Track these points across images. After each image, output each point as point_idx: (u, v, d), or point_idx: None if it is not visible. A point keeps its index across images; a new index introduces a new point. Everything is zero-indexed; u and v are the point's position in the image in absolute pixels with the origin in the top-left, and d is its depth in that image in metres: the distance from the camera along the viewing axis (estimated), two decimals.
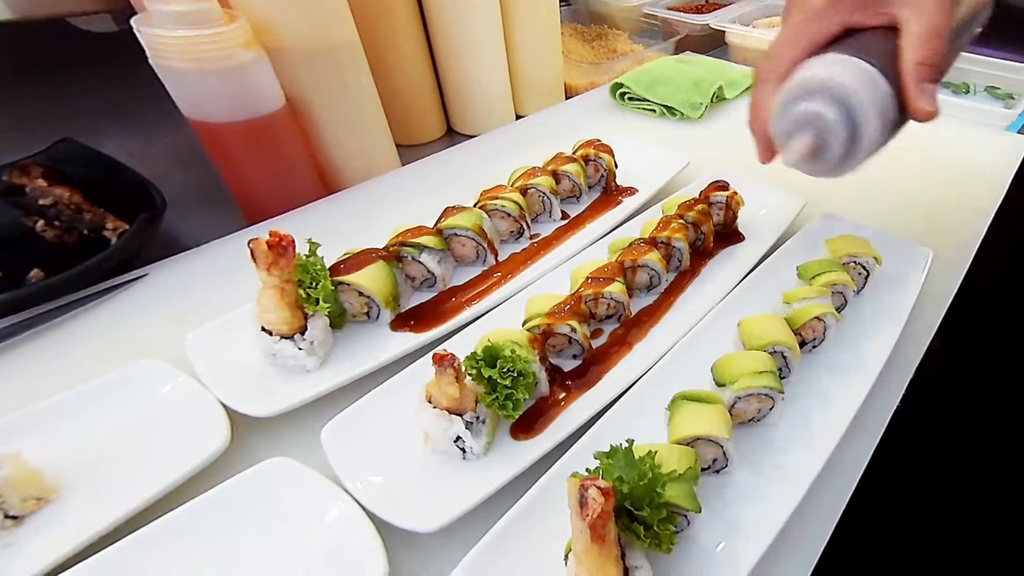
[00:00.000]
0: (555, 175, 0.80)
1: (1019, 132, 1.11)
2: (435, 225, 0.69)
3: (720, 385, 0.53)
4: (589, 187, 0.86)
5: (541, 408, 0.55)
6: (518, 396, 0.50)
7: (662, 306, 0.68)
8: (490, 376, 0.49)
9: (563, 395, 0.57)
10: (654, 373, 0.57)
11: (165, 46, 0.65)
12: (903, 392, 0.62)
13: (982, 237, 0.83)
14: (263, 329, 0.56)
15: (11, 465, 0.43)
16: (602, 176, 0.86)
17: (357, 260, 0.61)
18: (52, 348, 0.62)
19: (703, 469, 0.50)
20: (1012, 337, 1.25)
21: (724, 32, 1.45)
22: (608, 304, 0.63)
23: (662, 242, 0.69)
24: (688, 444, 0.47)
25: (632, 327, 0.65)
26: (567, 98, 1.25)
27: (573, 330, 0.58)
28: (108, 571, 0.41)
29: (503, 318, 0.63)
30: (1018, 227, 1.16)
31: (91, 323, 0.65)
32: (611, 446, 0.42)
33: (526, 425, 0.53)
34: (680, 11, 1.52)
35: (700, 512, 0.43)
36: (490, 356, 0.50)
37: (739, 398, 0.52)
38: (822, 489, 0.51)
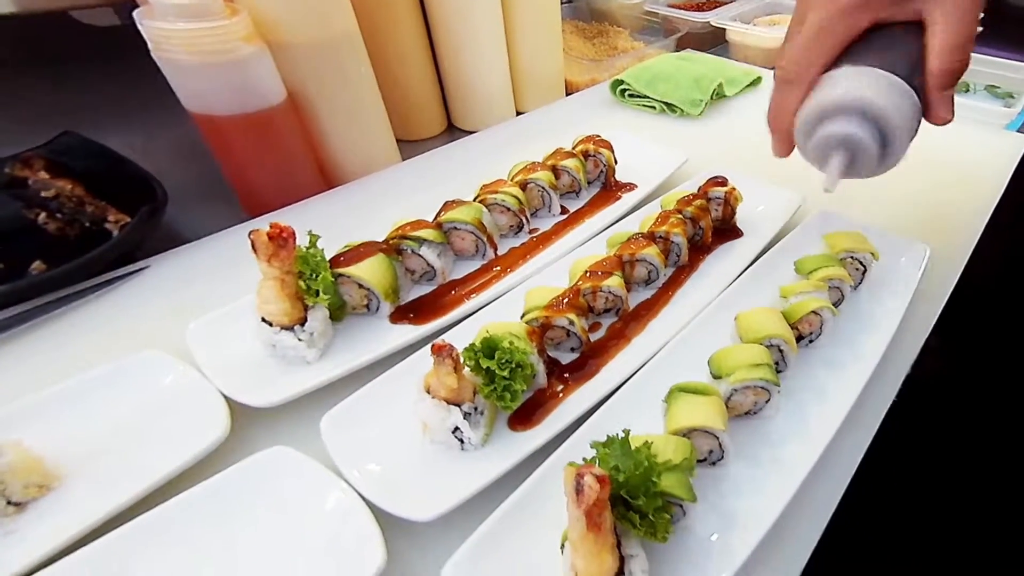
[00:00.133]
0: (554, 170, 0.81)
1: (1018, 131, 1.12)
2: (435, 219, 0.70)
3: (717, 377, 0.54)
4: (588, 182, 0.86)
5: (539, 400, 0.56)
6: (516, 387, 0.51)
7: (660, 300, 0.68)
8: (488, 367, 0.50)
9: (561, 387, 0.57)
10: (651, 366, 0.57)
11: (167, 39, 0.65)
12: (899, 387, 0.62)
13: (980, 235, 0.83)
14: (263, 320, 0.56)
15: (13, 452, 0.44)
16: (601, 172, 0.87)
17: (357, 252, 0.62)
18: (54, 339, 0.62)
19: (699, 461, 0.50)
20: (1010, 335, 1.26)
21: (725, 30, 1.46)
22: (606, 298, 0.63)
23: (660, 237, 0.69)
24: (684, 435, 0.47)
25: (630, 321, 0.65)
26: (568, 94, 1.25)
27: (571, 323, 0.58)
28: (109, 557, 0.41)
29: (502, 311, 0.63)
30: (1017, 225, 1.17)
31: (93, 314, 0.65)
32: (608, 436, 0.42)
33: (524, 417, 0.54)
34: (681, 8, 1.52)
35: (695, 502, 0.43)
36: (488, 347, 0.50)
37: (735, 390, 0.52)
38: (817, 482, 0.51)
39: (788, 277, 0.67)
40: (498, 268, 0.71)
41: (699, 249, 0.75)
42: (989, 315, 1.25)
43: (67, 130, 0.79)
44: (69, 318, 0.65)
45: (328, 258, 0.60)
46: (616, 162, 0.87)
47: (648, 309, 0.67)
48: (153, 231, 0.74)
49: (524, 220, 0.76)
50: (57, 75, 0.97)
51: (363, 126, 0.89)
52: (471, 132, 1.09)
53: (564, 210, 0.82)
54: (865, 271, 0.68)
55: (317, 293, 0.57)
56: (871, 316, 0.66)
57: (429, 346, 0.48)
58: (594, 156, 0.86)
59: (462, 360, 0.50)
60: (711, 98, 1.14)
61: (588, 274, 0.63)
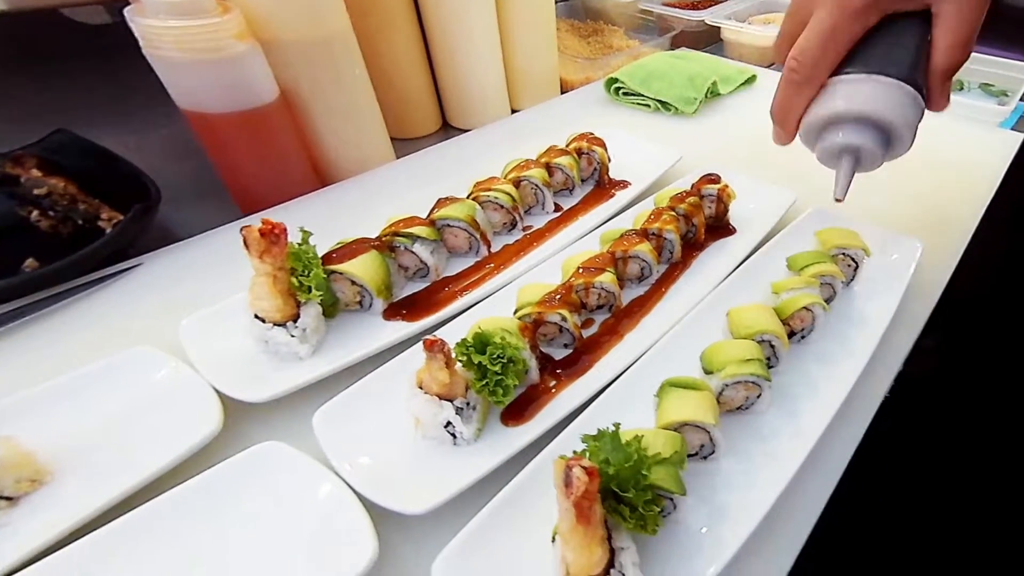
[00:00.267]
0: (548, 168, 0.81)
1: (1012, 129, 1.12)
2: (428, 216, 0.70)
3: (708, 373, 0.54)
4: (582, 180, 0.87)
5: (531, 395, 0.56)
6: (508, 382, 0.51)
7: (653, 297, 0.68)
8: (480, 362, 0.50)
9: (553, 383, 0.57)
10: (644, 362, 0.58)
11: (158, 36, 0.65)
12: (891, 383, 0.62)
13: (973, 232, 0.83)
14: (256, 316, 0.56)
15: (5, 447, 0.44)
16: (595, 169, 0.87)
17: (350, 249, 0.62)
18: (47, 336, 0.62)
19: (691, 455, 0.50)
20: (1005, 333, 1.26)
21: (719, 28, 1.46)
22: (599, 294, 0.64)
23: (653, 233, 0.70)
24: (676, 430, 0.48)
25: (623, 317, 0.65)
26: (562, 93, 1.25)
27: (563, 319, 0.58)
28: (102, 551, 0.42)
29: (495, 308, 0.63)
30: (1011, 223, 1.17)
31: (86, 311, 0.65)
32: (598, 430, 0.42)
33: (516, 412, 0.54)
34: (676, 7, 1.53)
35: (685, 495, 0.43)
36: (480, 343, 0.50)
37: (727, 385, 0.52)
38: (809, 476, 0.51)
39: (780, 274, 0.67)
40: (491, 265, 0.72)
41: (692, 246, 0.75)
42: (984, 313, 1.26)
43: (59, 128, 0.79)
44: (62, 315, 0.65)
45: (321, 255, 0.61)
46: (610, 160, 0.87)
47: (641, 306, 0.67)
48: (146, 229, 0.75)
49: (518, 217, 0.76)
50: (49, 73, 0.97)
51: (357, 124, 0.89)
52: (466, 130, 1.09)
53: (558, 207, 0.82)
54: (857, 267, 0.69)
55: (310, 290, 0.57)
56: (863, 312, 0.66)
57: (421, 342, 0.48)
58: (588, 154, 0.86)
59: (454, 355, 0.50)
60: (705, 96, 1.15)
61: (581, 270, 0.63)
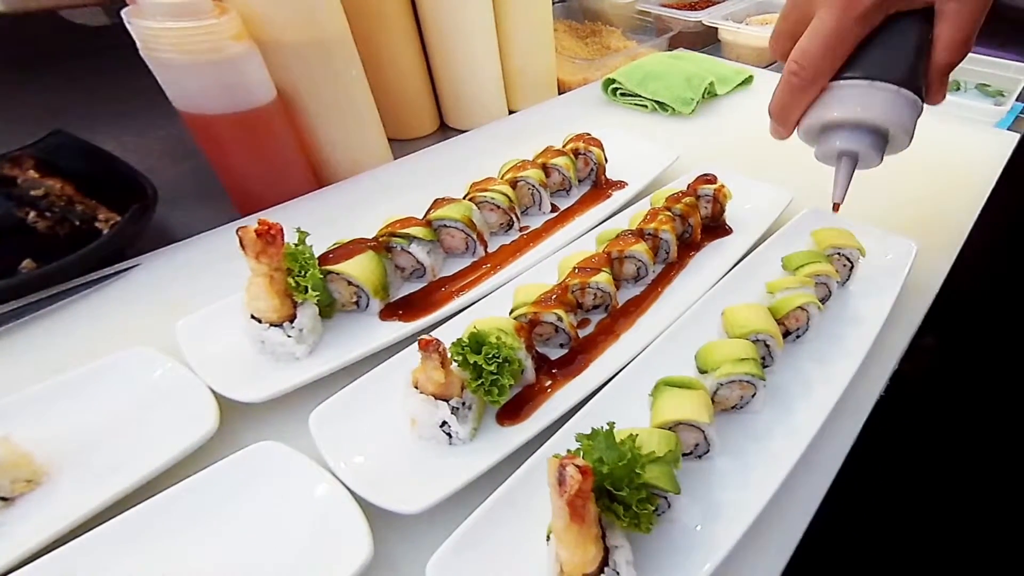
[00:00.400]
0: (545, 168, 0.81)
1: (1008, 129, 1.13)
2: (425, 216, 0.70)
3: (703, 372, 0.54)
4: (579, 180, 0.87)
5: (527, 395, 0.56)
6: (503, 382, 0.51)
7: (649, 296, 0.68)
8: (475, 362, 0.50)
9: (549, 383, 0.57)
10: (639, 361, 0.58)
11: (156, 38, 0.65)
12: (887, 383, 0.63)
13: (968, 232, 0.84)
14: (252, 317, 0.56)
15: (2, 447, 0.44)
16: (592, 170, 0.87)
17: (346, 250, 0.62)
18: (44, 336, 0.62)
19: (686, 454, 0.51)
20: (1002, 332, 1.26)
21: (717, 29, 1.47)
22: (595, 294, 0.64)
23: (649, 234, 0.70)
24: (670, 429, 0.48)
25: (619, 317, 0.66)
26: (560, 93, 1.25)
27: (559, 319, 0.59)
28: (98, 551, 0.42)
29: (491, 308, 0.64)
30: (1007, 222, 1.18)
31: (83, 312, 0.65)
32: (592, 429, 0.42)
33: (512, 412, 0.54)
34: (673, 8, 1.53)
35: (679, 494, 0.43)
36: (476, 342, 0.51)
37: (721, 384, 0.53)
38: (803, 475, 0.51)
39: (776, 273, 0.68)
40: (488, 266, 0.72)
41: (688, 246, 0.76)
42: (980, 312, 1.26)
43: (57, 129, 0.79)
44: (59, 316, 0.65)
45: (318, 255, 0.61)
46: (607, 160, 0.88)
47: (637, 305, 0.67)
48: (143, 230, 0.75)
49: (514, 218, 0.76)
50: (47, 74, 0.97)
51: (354, 125, 0.89)
52: (463, 131, 1.09)
53: (555, 208, 0.82)
54: (852, 267, 0.69)
55: (306, 290, 0.57)
56: (858, 312, 0.66)
57: (417, 342, 0.48)
58: (585, 154, 0.86)
59: (450, 355, 0.50)
60: (702, 97, 1.15)
61: (577, 270, 0.63)
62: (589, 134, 0.88)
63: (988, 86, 1.28)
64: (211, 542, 0.44)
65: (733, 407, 0.55)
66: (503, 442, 0.51)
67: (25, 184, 0.74)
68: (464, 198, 0.74)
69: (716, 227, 0.79)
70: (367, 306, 0.63)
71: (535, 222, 0.80)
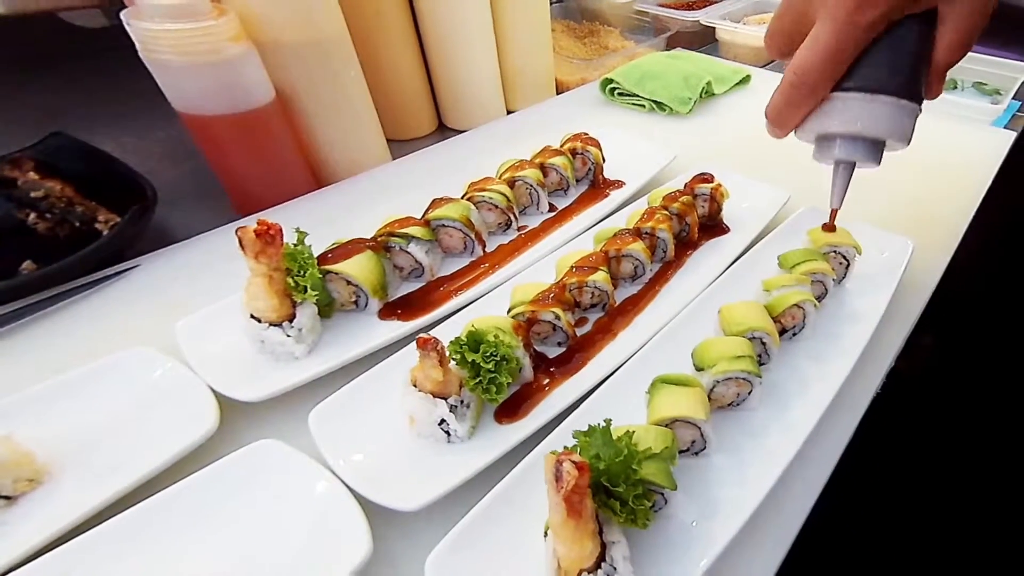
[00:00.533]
0: (543, 168, 0.81)
1: (1005, 127, 1.13)
2: (423, 216, 0.70)
3: (699, 369, 0.54)
4: (577, 180, 0.87)
5: (525, 393, 0.56)
6: (501, 380, 0.51)
7: (646, 295, 0.69)
8: (473, 360, 0.50)
9: (547, 381, 0.58)
10: (636, 359, 0.58)
11: (155, 39, 0.65)
12: (883, 380, 0.63)
13: (965, 230, 0.84)
14: (252, 317, 0.57)
15: (3, 447, 0.44)
16: (590, 169, 0.87)
17: (345, 250, 0.63)
18: (45, 337, 0.63)
19: (682, 451, 0.51)
20: (998, 331, 1.27)
21: (714, 28, 1.47)
22: (592, 293, 0.64)
23: (647, 233, 0.70)
24: (667, 426, 0.48)
25: (616, 316, 0.66)
26: (558, 93, 1.26)
27: (557, 317, 0.59)
28: (99, 549, 0.42)
29: (489, 307, 0.64)
30: (1004, 221, 1.18)
31: (83, 312, 0.66)
32: (589, 425, 0.43)
33: (510, 410, 0.54)
34: (671, 8, 1.54)
35: (675, 489, 0.44)
36: (474, 341, 0.51)
37: (718, 382, 0.53)
38: (799, 472, 0.52)
39: (773, 272, 0.68)
40: (486, 265, 0.72)
41: (685, 245, 0.76)
42: (977, 310, 1.27)
43: (56, 131, 0.79)
44: (60, 317, 0.65)
45: (317, 255, 0.61)
46: (604, 160, 0.88)
47: (634, 304, 0.68)
48: (143, 231, 0.75)
49: (512, 217, 0.76)
50: (46, 76, 0.98)
51: (352, 125, 0.89)
52: (461, 131, 1.09)
53: (552, 207, 0.83)
54: (849, 265, 0.69)
55: (305, 290, 0.57)
56: (854, 310, 0.67)
57: (415, 340, 0.49)
58: (582, 154, 0.86)
59: (448, 354, 0.50)
60: (700, 96, 1.15)
61: (574, 269, 0.64)
62: (587, 134, 0.88)
63: (985, 84, 1.28)
64: (212, 540, 0.45)
65: (730, 404, 0.55)
66: (501, 440, 0.51)
67: (25, 186, 0.75)
68: (462, 198, 0.74)
69: (713, 226, 0.79)
70: (366, 305, 0.64)
71: (533, 221, 0.80)
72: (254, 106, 0.74)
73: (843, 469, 0.55)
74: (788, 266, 0.66)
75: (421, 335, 0.48)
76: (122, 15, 0.65)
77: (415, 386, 0.51)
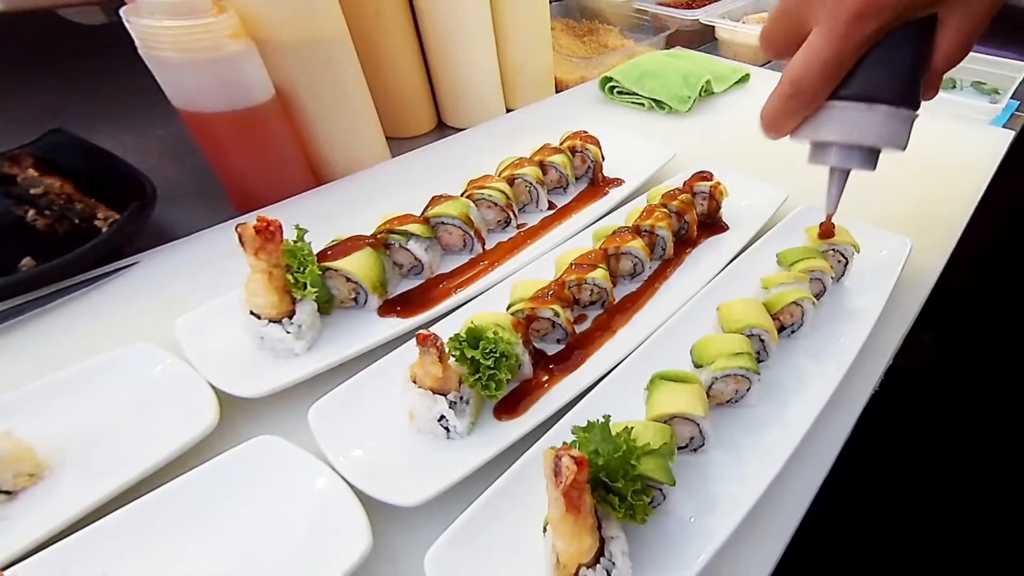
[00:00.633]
0: (542, 166, 0.82)
1: (1004, 126, 1.13)
2: (423, 213, 0.71)
3: (698, 366, 0.55)
4: (576, 178, 0.87)
5: (524, 390, 0.57)
6: (501, 377, 0.51)
7: (645, 293, 0.69)
8: (473, 357, 0.50)
9: (546, 378, 0.58)
10: (635, 356, 0.58)
11: (154, 36, 0.65)
12: (881, 377, 0.63)
13: (963, 228, 0.84)
14: (252, 313, 0.57)
15: (4, 442, 0.44)
16: (589, 167, 0.88)
17: (345, 246, 0.63)
18: (44, 334, 0.63)
19: (681, 448, 0.51)
20: (997, 329, 1.27)
21: (714, 27, 1.47)
22: (591, 290, 0.64)
23: (646, 230, 0.70)
24: (665, 422, 0.48)
25: (615, 313, 0.66)
26: (557, 92, 1.26)
27: (556, 314, 0.59)
28: (99, 544, 0.42)
29: (489, 304, 0.64)
30: (1002, 219, 1.18)
31: (83, 309, 0.66)
32: (588, 421, 0.43)
33: (509, 406, 0.55)
34: (670, 6, 1.53)
35: (674, 485, 0.44)
36: (473, 337, 0.51)
37: (716, 379, 0.53)
38: (798, 468, 0.52)
39: (771, 270, 0.68)
40: (486, 262, 0.72)
41: (685, 243, 0.76)
42: (975, 308, 1.27)
43: (56, 128, 0.79)
44: (59, 313, 0.65)
45: (317, 252, 0.61)
46: (604, 158, 0.88)
47: (633, 301, 0.68)
48: (142, 228, 0.75)
49: (512, 215, 0.77)
50: (46, 73, 0.97)
51: (352, 123, 0.90)
52: (461, 129, 1.09)
53: (552, 205, 0.83)
54: (847, 263, 0.69)
55: (305, 286, 0.58)
56: (852, 308, 0.67)
57: (415, 336, 0.49)
58: (582, 152, 0.87)
59: (447, 350, 0.50)
60: (699, 95, 1.15)
61: (573, 267, 0.64)
62: (586, 132, 0.89)
63: (984, 84, 1.28)
64: (212, 535, 0.45)
65: (728, 401, 0.56)
66: (500, 436, 0.51)
67: (24, 182, 0.75)
68: (462, 195, 0.74)
69: (712, 224, 0.79)
70: (365, 302, 0.64)
71: (532, 219, 0.80)
72: (254, 103, 0.74)
73: (841, 466, 0.55)
74: (787, 264, 0.66)
75: (421, 331, 0.48)
76: (122, 12, 0.65)
77: (415, 382, 0.51)
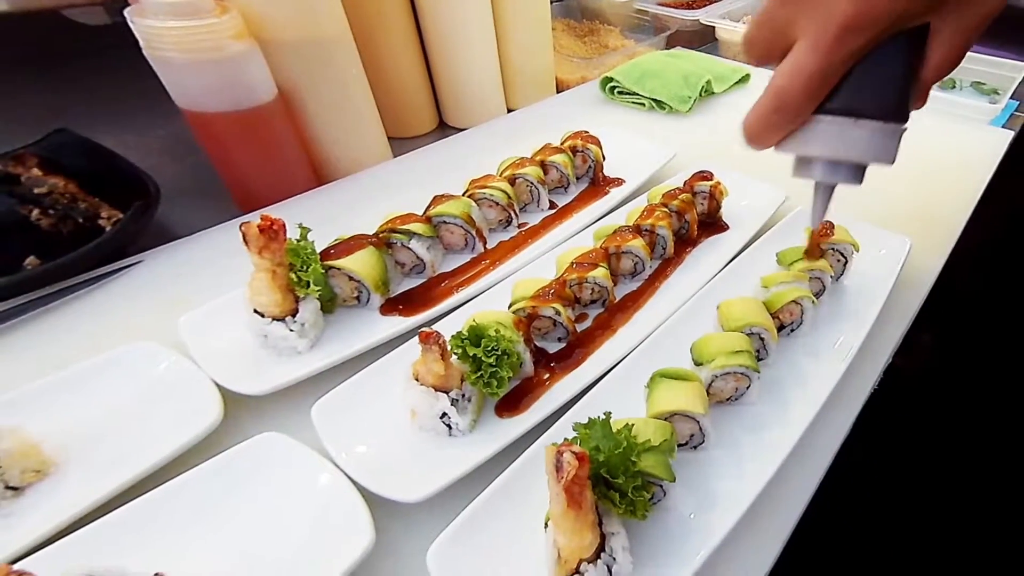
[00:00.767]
0: (543, 165, 0.82)
1: (1003, 127, 1.14)
2: (424, 213, 0.71)
3: (698, 364, 0.55)
4: (577, 178, 0.88)
5: (526, 388, 0.57)
6: (502, 374, 0.52)
7: (646, 292, 0.69)
8: (475, 354, 0.51)
9: (547, 376, 0.58)
10: (636, 354, 0.59)
11: (158, 37, 0.66)
12: (880, 376, 0.63)
13: (962, 228, 0.85)
14: (255, 311, 0.57)
15: (11, 438, 0.45)
16: (590, 167, 0.88)
17: (347, 245, 0.63)
18: (48, 332, 0.63)
19: (681, 445, 0.52)
20: (996, 329, 1.27)
21: (714, 27, 1.47)
22: (592, 289, 0.65)
23: (646, 230, 0.71)
24: (665, 419, 0.49)
25: (616, 312, 0.66)
26: (558, 92, 1.26)
27: (557, 313, 0.60)
28: (105, 539, 0.42)
29: (490, 303, 0.64)
30: (1001, 219, 1.19)
31: (86, 308, 0.66)
32: (589, 418, 0.43)
33: (511, 403, 0.55)
34: (671, 7, 1.54)
35: (674, 481, 0.44)
36: (475, 335, 0.52)
37: (716, 376, 0.53)
38: (797, 466, 0.53)
39: (771, 269, 0.68)
40: (487, 261, 0.73)
41: (685, 242, 0.77)
42: (975, 308, 1.27)
43: (60, 128, 0.80)
44: (63, 312, 0.66)
45: (319, 251, 0.62)
46: (604, 157, 0.89)
47: (634, 300, 0.68)
48: (146, 227, 0.75)
49: (513, 214, 0.77)
50: (50, 73, 0.98)
51: (354, 123, 0.90)
52: (462, 129, 1.10)
53: (552, 205, 0.83)
54: (846, 262, 0.70)
55: (308, 285, 0.58)
56: (852, 306, 0.67)
57: (417, 334, 0.49)
58: (582, 152, 0.87)
59: (449, 348, 0.51)
60: (700, 95, 1.16)
61: (574, 266, 0.64)
62: (587, 132, 0.89)
63: (983, 84, 1.29)
64: (216, 530, 0.45)
65: (728, 399, 0.56)
66: (502, 433, 0.52)
67: (29, 182, 0.75)
68: (463, 195, 0.75)
69: (712, 223, 0.80)
70: (368, 301, 0.64)
71: (533, 219, 0.81)
72: (256, 104, 0.74)
73: (840, 464, 0.56)
74: (786, 263, 0.66)
75: (423, 329, 0.49)
76: (126, 12, 0.66)
77: (417, 380, 0.51)
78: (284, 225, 0.56)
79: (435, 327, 0.60)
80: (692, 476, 0.50)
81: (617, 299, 0.68)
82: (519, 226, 0.79)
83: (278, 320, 0.57)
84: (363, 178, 0.91)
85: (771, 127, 0.44)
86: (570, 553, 0.39)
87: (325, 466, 0.47)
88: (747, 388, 0.55)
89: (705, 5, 1.55)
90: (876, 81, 0.41)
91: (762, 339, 0.58)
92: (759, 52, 0.45)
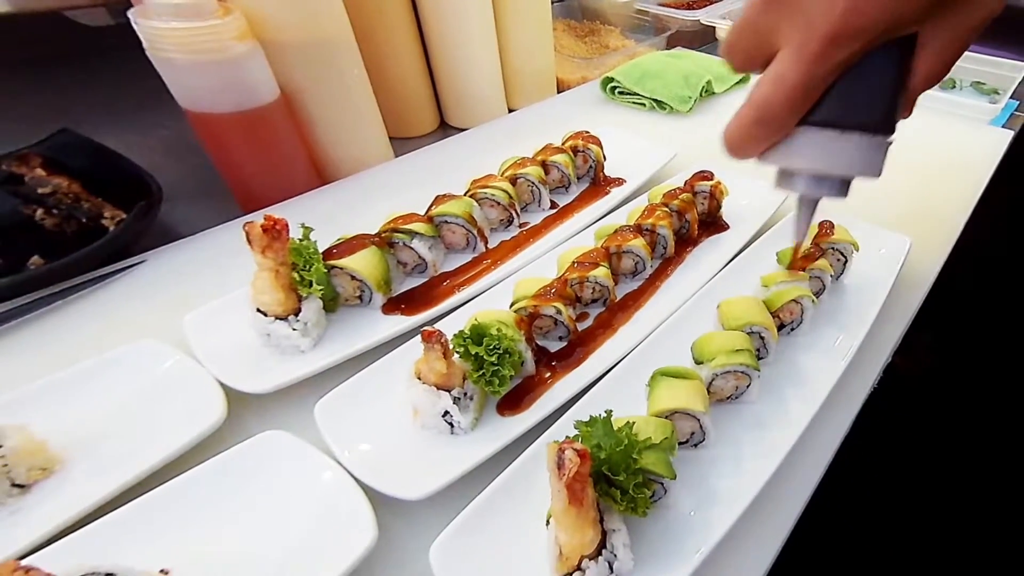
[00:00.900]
0: (544, 165, 0.82)
1: (1003, 126, 1.14)
2: (426, 212, 0.71)
3: (699, 363, 0.55)
4: (578, 177, 0.88)
5: (527, 386, 0.57)
6: (504, 373, 0.52)
7: (647, 291, 0.70)
8: (477, 353, 0.51)
9: (549, 374, 0.59)
10: (637, 353, 0.59)
11: (161, 38, 0.66)
12: (880, 375, 0.64)
13: (962, 228, 0.85)
14: (258, 310, 0.57)
15: (17, 436, 0.45)
16: (591, 167, 0.88)
17: (350, 245, 0.63)
18: (52, 332, 0.64)
19: (682, 443, 0.52)
20: (996, 328, 1.28)
21: (714, 27, 1.48)
22: (593, 288, 0.65)
23: (647, 229, 0.71)
24: (666, 417, 0.49)
25: (617, 311, 0.67)
26: (559, 92, 1.26)
27: (559, 312, 0.60)
28: (110, 536, 0.43)
29: (492, 302, 0.65)
30: (1001, 219, 1.19)
31: (90, 308, 0.67)
32: (590, 416, 0.44)
33: (512, 402, 0.55)
34: (671, 7, 1.54)
35: (675, 479, 0.45)
36: (477, 334, 0.52)
37: (717, 375, 0.54)
38: (797, 464, 0.53)
39: (771, 268, 0.69)
40: (488, 261, 0.73)
41: (685, 241, 0.77)
42: (974, 308, 1.28)
43: (63, 128, 0.80)
44: (67, 312, 0.66)
45: (322, 251, 0.62)
46: (605, 157, 0.89)
47: (635, 299, 0.69)
48: (149, 227, 0.76)
49: (514, 214, 0.77)
50: (53, 74, 0.98)
51: (356, 123, 0.90)
52: (464, 129, 1.10)
53: (554, 204, 0.84)
54: (846, 262, 0.70)
55: (311, 284, 0.58)
56: (852, 306, 0.68)
57: (420, 333, 0.50)
58: (583, 151, 0.87)
59: (451, 346, 0.51)
60: (700, 95, 1.16)
61: (575, 265, 0.65)
62: (588, 132, 0.89)
63: (983, 84, 1.29)
64: (220, 528, 0.45)
65: (728, 397, 0.56)
66: (503, 431, 0.52)
67: (32, 182, 0.75)
68: (465, 195, 0.75)
69: (713, 223, 0.80)
70: (370, 300, 0.65)
71: (535, 218, 0.81)
72: (259, 104, 0.75)
73: (840, 462, 0.56)
74: (786, 263, 0.66)
75: (425, 328, 0.49)
76: (129, 13, 0.66)
77: (419, 378, 0.52)
78: (287, 225, 0.56)
79: (437, 326, 0.61)
80: (692, 474, 0.50)
81: (618, 298, 0.68)
82: (520, 226, 0.79)
83: (281, 319, 0.57)
84: (365, 178, 0.91)
85: (752, 139, 0.43)
86: (571, 550, 0.40)
87: (328, 464, 0.48)
88: (747, 387, 0.56)
89: (705, 5, 1.55)
90: (862, 92, 0.39)
91: (762, 338, 0.59)
92: (740, 60, 0.43)
